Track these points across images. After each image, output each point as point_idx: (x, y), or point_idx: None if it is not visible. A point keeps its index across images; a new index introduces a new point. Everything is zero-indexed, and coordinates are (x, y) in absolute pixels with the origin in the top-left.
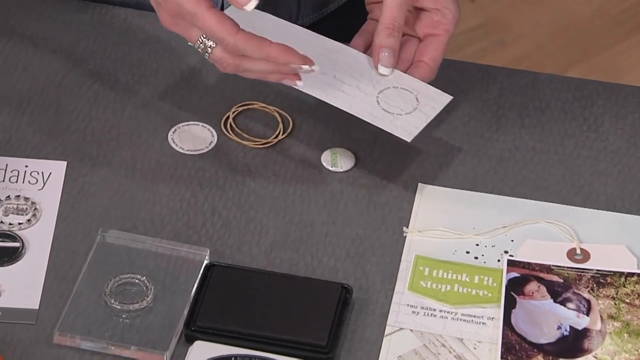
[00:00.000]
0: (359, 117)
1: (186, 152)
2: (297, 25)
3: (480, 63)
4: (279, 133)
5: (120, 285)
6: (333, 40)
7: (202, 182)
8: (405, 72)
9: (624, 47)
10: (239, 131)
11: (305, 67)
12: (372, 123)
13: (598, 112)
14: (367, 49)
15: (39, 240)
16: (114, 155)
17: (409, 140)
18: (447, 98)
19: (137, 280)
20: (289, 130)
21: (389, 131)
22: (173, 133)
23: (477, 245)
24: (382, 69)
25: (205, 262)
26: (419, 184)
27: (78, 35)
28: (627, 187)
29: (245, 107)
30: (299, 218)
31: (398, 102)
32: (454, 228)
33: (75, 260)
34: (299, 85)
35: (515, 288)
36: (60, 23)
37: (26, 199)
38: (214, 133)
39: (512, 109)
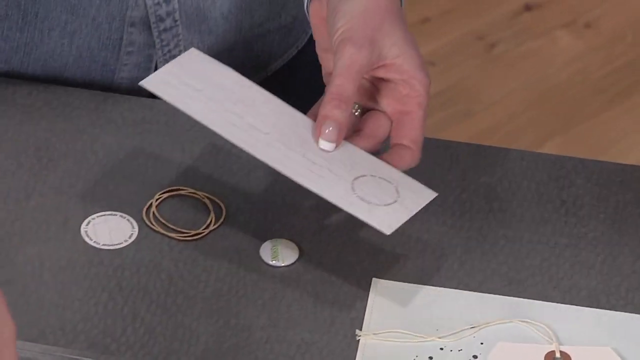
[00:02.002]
0: (332, 202)
1: (102, 247)
2: (261, 88)
3: (441, 138)
4: (210, 223)
5: None
6: (301, 113)
7: (121, 281)
8: (376, 153)
9: (607, 116)
10: (163, 222)
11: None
12: (347, 210)
13: (577, 193)
14: None
15: None
16: (18, 253)
17: (388, 233)
18: (431, 194)
19: None
20: (221, 220)
21: (365, 221)
22: (87, 225)
23: (442, 349)
24: (324, 144)
25: None
26: (373, 279)
27: None
28: (612, 280)
29: (171, 194)
30: (235, 322)
31: (375, 192)
32: (414, 329)
33: None
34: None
35: None
36: None
37: None
38: (135, 224)
39: (478, 192)
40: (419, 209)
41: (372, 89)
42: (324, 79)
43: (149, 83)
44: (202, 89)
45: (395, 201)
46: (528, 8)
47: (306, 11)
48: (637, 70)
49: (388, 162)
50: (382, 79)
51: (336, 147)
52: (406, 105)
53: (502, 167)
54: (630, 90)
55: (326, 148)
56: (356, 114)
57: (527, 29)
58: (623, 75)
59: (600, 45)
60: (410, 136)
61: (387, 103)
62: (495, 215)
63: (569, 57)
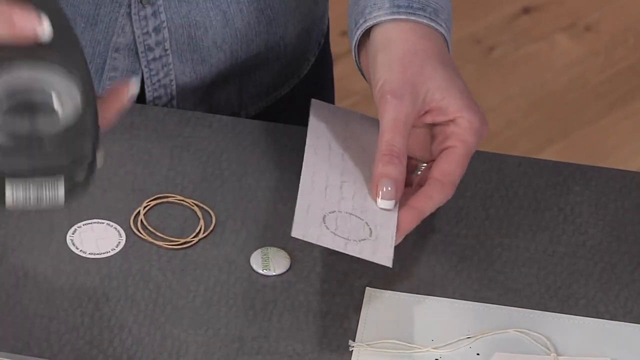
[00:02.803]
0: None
1: (89, 256)
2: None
3: None
4: (199, 231)
5: None
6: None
7: (107, 291)
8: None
9: (607, 122)
10: (151, 230)
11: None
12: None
13: (575, 200)
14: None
15: None
16: (2, 263)
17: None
18: (386, 261)
19: None
20: (211, 228)
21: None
22: (73, 234)
23: None
24: (383, 203)
25: None
26: (367, 289)
27: None
28: (610, 289)
29: (159, 201)
30: (225, 332)
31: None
32: (409, 340)
33: None
34: None
35: None
36: None
37: None
38: (122, 233)
39: (475, 199)
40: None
41: (422, 138)
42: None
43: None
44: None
45: (367, 239)
46: (526, 11)
47: (357, 64)
48: (638, 75)
49: (415, 195)
50: (432, 125)
51: (395, 204)
52: (447, 142)
53: (499, 174)
54: (631, 95)
55: (386, 207)
56: (419, 173)
57: (526, 33)
58: (624, 79)
59: (600, 49)
60: (443, 169)
61: (434, 146)
62: (492, 222)
63: (568, 61)
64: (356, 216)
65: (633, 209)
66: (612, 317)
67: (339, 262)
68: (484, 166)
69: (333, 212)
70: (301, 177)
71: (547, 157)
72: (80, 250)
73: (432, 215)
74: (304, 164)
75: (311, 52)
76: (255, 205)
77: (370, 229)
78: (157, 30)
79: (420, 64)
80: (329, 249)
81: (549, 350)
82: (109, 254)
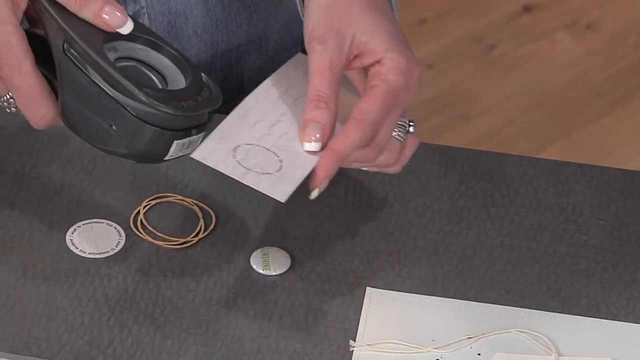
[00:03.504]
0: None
1: (88, 256)
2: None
3: (438, 144)
4: (199, 231)
5: None
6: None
7: (107, 291)
8: None
9: (608, 121)
10: (151, 229)
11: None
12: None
13: (576, 199)
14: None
15: None
16: (1, 262)
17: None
18: (282, 195)
19: None
20: (211, 227)
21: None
22: (72, 233)
23: None
24: (308, 146)
25: None
26: (368, 289)
27: None
28: (612, 289)
29: (159, 201)
30: (225, 332)
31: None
32: (410, 340)
33: None
34: None
35: None
36: None
37: None
38: (122, 232)
39: (476, 198)
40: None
41: (358, 80)
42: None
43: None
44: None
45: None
46: (527, 9)
47: (302, 16)
48: (639, 74)
49: (333, 137)
50: (366, 69)
51: (323, 147)
52: (372, 82)
53: (500, 173)
54: (632, 94)
55: (311, 149)
56: (411, 130)
57: (527, 31)
58: (625, 78)
59: (602, 48)
60: (361, 107)
61: (365, 89)
62: (493, 222)
63: (569, 60)
64: (273, 152)
65: (634, 209)
66: (614, 317)
67: (339, 262)
68: (484, 165)
69: (250, 144)
70: (235, 108)
71: (548, 156)
72: (80, 250)
73: (434, 214)
74: (247, 97)
75: (292, 49)
76: (255, 205)
77: (281, 166)
78: (136, 16)
79: (347, 8)
80: (330, 248)
81: (550, 350)
82: (108, 254)
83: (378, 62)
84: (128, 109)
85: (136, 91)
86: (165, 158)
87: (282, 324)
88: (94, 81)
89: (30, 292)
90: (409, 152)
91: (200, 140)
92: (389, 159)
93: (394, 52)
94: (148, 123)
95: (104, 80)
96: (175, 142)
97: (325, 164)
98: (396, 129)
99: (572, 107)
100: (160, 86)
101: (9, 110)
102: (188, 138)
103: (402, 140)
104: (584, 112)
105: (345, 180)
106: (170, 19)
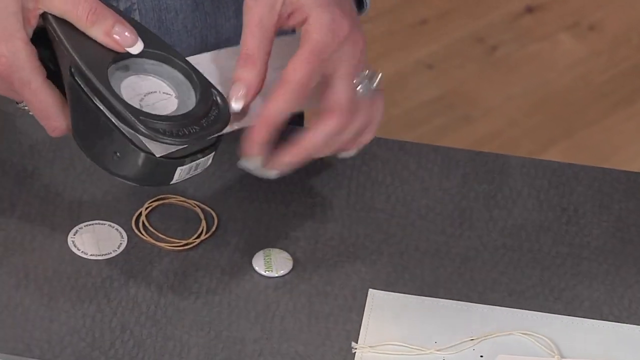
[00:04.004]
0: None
1: (90, 258)
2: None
3: (439, 145)
4: (201, 232)
5: None
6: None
7: (109, 293)
8: None
9: (611, 122)
10: (153, 231)
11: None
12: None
13: (579, 201)
14: None
15: None
16: (2, 264)
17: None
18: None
19: None
20: (213, 229)
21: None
22: (74, 235)
23: None
24: (233, 105)
25: None
26: (370, 290)
27: None
28: (615, 290)
29: (161, 202)
30: (227, 334)
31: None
32: (412, 342)
33: None
34: None
35: None
36: None
37: None
38: (124, 234)
39: (478, 200)
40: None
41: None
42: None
43: None
44: None
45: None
46: (530, 10)
47: None
48: None
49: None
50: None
51: (245, 104)
52: (300, 41)
53: (502, 174)
54: (635, 95)
55: (236, 109)
56: (375, 83)
57: (529, 32)
58: (627, 79)
59: (604, 49)
60: (287, 69)
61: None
62: (495, 223)
63: (571, 61)
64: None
65: (637, 210)
66: (617, 319)
67: (342, 263)
68: (487, 167)
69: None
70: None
71: (550, 157)
72: (82, 252)
73: (437, 216)
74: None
75: None
76: (257, 207)
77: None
78: (127, 12)
79: None
80: (332, 250)
81: (553, 352)
82: (110, 255)
83: (305, 20)
84: (129, 138)
85: (136, 123)
86: (172, 182)
87: (284, 325)
88: (98, 107)
89: (32, 294)
90: (377, 107)
91: (210, 160)
92: (362, 119)
93: (318, 10)
94: (149, 153)
95: (106, 108)
96: (179, 168)
97: (256, 129)
98: (360, 86)
99: (575, 108)
100: (171, 106)
101: (31, 113)
102: (194, 162)
103: (365, 93)
104: (586, 113)
105: (347, 182)
106: (161, 14)
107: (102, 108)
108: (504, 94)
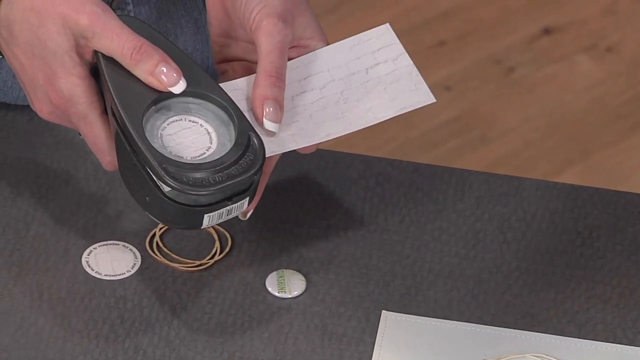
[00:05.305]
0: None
1: (104, 278)
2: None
3: (454, 167)
4: (215, 253)
5: None
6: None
7: (123, 313)
8: None
9: (627, 145)
10: (167, 251)
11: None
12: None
13: (593, 224)
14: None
15: None
16: (16, 284)
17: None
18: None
19: None
20: (226, 250)
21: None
22: (88, 255)
23: None
24: (269, 125)
25: None
26: (383, 312)
27: None
28: (629, 314)
29: None
30: (240, 355)
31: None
32: None
33: None
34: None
35: None
36: None
37: None
38: (137, 254)
39: (492, 222)
40: None
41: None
42: (218, 67)
43: None
44: None
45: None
46: (547, 31)
47: None
48: None
49: None
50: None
51: (279, 123)
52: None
53: (517, 197)
54: None
55: (272, 129)
56: None
57: (546, 53)
58: None
59: (622, 71)
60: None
61: None
62: (509, 245)
63: (588, 83)
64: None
65: None
66: (630, 343)
67: (354, 284)
68: (501, 189)
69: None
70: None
71: (566, 179)
72: (96, 272)
73: (450, 237)
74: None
75: None
76: (271, 227)
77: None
78: None
79: None
80: (346, 271)
81: None
82: (124, 276)
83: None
84: (157, 184)
85: (161, 172)
86: (202, 227)
87: (297, 346)
88: (131, 150)
89: (45, 314)
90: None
91: (246, 204)
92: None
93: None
94: (175, 202)
95: (135, 153)
96: (206, 215)
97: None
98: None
99: (592, 130)
100: (207, 148)
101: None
102: (224, 209)
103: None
104: (603, 135)
105: (361, 203)
106: None
107: (133, 153)
108: (520, 116)
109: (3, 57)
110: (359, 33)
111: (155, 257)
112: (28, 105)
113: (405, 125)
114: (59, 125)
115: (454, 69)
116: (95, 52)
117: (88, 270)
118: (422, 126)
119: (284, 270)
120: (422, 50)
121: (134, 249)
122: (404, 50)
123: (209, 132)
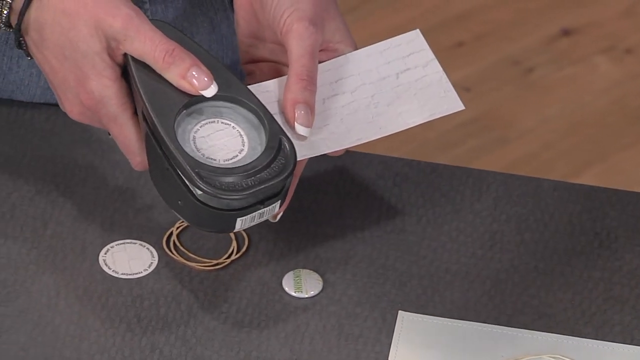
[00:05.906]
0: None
1: (121, 277)
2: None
3: (471, 167)
4: (232, 252)
5: None
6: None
7: (139, 312)
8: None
9: None
10: (184, 250)
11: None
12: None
13: (611, 225)
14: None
15: None
16: (34, 282)
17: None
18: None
19: None
20: (243, 249)
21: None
22: (105, 254)
23: None
24: (301, 129)
25: None
26: (400, 312)
27: None
28: None
29: None
30: (257, 354)
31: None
32: None
33: None
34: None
35: None
36: None
37: None
38: (154, 253)
39: (510, 222)
40: None
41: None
42: (245, 68)
43: None
44: None
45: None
46: (566, 33)
47: None
48: None
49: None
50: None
51: (310, 127)
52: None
53: (534, 198)
54: None
55: (303, 133)
56: None
57: (565, 55)
58: None
59: None
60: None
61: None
62: (526, 246)
63: (607, 84)
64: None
65: None
66: None
67: (371, 285)
68: (519, 190)
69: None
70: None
71: (584, 180)
72: (113, 271)
73: (467, 238)
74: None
75: None
76: (288, 227)
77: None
78: None
79: (327, 2)
80: (363, 271)
81: None
82: (141, 275)
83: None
84: (190, 189)
85: (194, 177)
86: (235, 230)
87: (313, 346)
88: (163, 154)
89: (62, 312)
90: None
91: (277, 207)
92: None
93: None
94: (208, 206)
95: (167, 157)
96: (239, 219)
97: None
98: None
99: (610, 131)
100: (240, 150)
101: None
102: (256, 212)
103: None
104: (622, 137)
105: (378, 204)
106: None
107: (165, 157)
108: (539, 117)
109: (31, 57)
110: (388, 38)
111: (172, 256)
112: (45, 104)
113: (424, 126)
114: (77, 124)
115: (472, 70)
116: (125, 56)
117: (105, 268)
118: (440, 127)
119: (301, 270)
120: (441, 51)
121: (151, 248)
122: (434, 57)
123: (241, 135)
